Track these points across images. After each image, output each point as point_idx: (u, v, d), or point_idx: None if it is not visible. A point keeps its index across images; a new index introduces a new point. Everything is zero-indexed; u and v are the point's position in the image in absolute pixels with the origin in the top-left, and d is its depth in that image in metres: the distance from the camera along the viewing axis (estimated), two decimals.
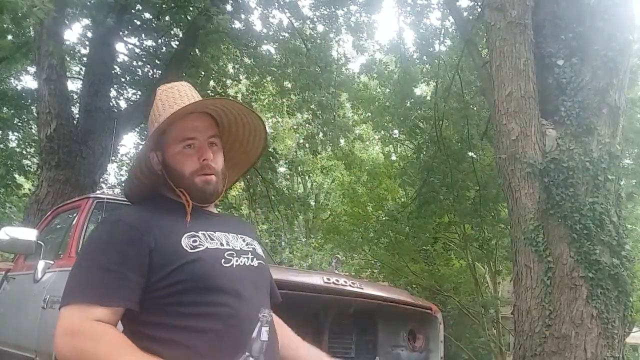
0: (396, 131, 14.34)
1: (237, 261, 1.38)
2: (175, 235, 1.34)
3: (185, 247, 1.32)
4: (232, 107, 1.51)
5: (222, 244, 1.39)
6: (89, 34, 10.00)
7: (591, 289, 4.83)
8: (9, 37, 11.38)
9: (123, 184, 1.68)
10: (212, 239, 1.38)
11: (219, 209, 1.69)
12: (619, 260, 4.92)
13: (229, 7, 10.07)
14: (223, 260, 1.35)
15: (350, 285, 3.04)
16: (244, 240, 1.47)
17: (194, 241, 1.35)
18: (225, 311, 1.29)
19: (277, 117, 16.06)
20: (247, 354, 1.15)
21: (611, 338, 4.82)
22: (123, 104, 11.22)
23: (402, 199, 14.58)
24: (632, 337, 7.84)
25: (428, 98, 12.30)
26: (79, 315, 1.20)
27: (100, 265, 1.27)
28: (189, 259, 1.31)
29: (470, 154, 11.02)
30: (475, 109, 10.96)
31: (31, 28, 9.60)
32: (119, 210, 1.50)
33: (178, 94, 1.48)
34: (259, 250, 1.51)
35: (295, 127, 16.12)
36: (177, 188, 1.43)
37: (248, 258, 1.42)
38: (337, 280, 3.01)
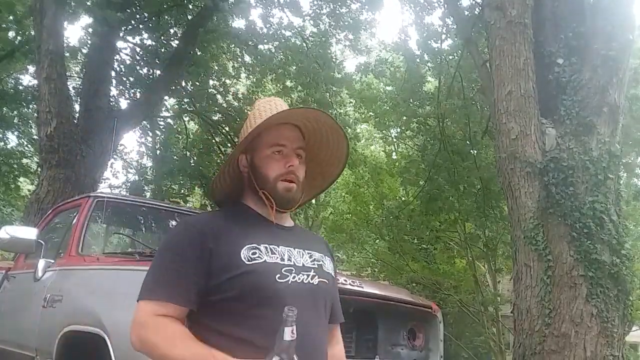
0: (398, 129, 14.34)
1: (294, 278, 1.40)
2: (238, 244, 1.39)
3: (243, 258, 1.37)
4: (322, 121, 1.55)
5: (282, 259, 1.41)
6: (90, 34, 10.00)
7: (591, 287, 4.84)
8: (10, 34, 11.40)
9: (210, 183, 1.68)
10: (274, 253, 1.41)
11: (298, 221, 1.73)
12: (619, 259, 4.93)
13: (227, 6, 10.06)
14: (278, 275, 1.37)
15: (350, 284, 3.05)
16: (310, 257, 1.48)
17: (253, 253, 1.39)
18: (267, 325, 1.30)
19: None
20: (275, 356, 1.18)
21: (611, 337, 4.83)
22: (123, 103, 11.23)
23: (403, 198, 14.59)
24: (632, 336, 7.85)
25: (432, 93, 12.29)
26: (146, 309, 1.35)
27: (167, 266, 1.39)
28: (244, 270, 1.36)
29: (472, 151, 11.03)
30: (478, 106, 10.96)
31: (31, 27, 9.62)
32: (197, 215, 1.61)
33: (274, 105, 1.56)
34: (327, 267, 1.52)
35: None
36: (260, 190, 1.49)
37: (308, 275, 1.43)
38: (337, 279, 3.01)
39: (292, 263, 1.42)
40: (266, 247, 1.41)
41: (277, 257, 1.41)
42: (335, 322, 1.60)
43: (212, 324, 1.36)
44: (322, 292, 1.46)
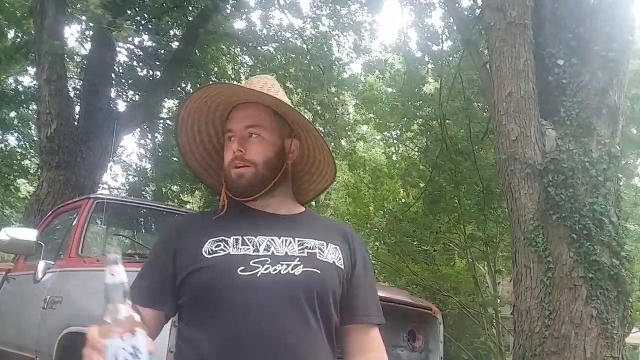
0: (398, 131, 14.34)
1: (266, 269, 1.23)
2: (202, 239, 1.28)
3: (204, 252, 1.26)
4: (281, 108, 1.36)
5: (257, 250, 1.26)
6: (89, 37, 10.02)
7: (591, 289, 4.84)
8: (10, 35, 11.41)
9: None
10: (245, 244, 1.27)
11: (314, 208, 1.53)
12: (619, 261, 4.93)
13: (228, 7, 10.08)
14: (242, 268, 1.22)
15: None
16: (301, 244, 1.30)
17: (217, 246, 1.27)
18: (224, 326, 1.21)
19: None
20: (105, 305, 0.98)
21: (611, 338, 4.82)
22: (122, 105, 11.24)
23: (403, 200, 14.59)
24: (632, 337, 7.85)
25: (432, 94, 12.30)
26: None
27: (142, 270, 1.35)
28: (202, 264, 1.25)
29: (474, 152, 11.03)
30: (478, 106, 10.97)
31: (32, 29, 9.63)
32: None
33: (249, 84, 1.39)
34: (325, 256, 1.30)
35: None
36: (224, 182, 1.37)
37: (289, 265, 1.24)
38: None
39: (268, 253, 1.26)
40: (237, 239, 1.27)
41: (249, 248, 1.26)
42: (355, 321, 1.34)
43: (181, 324, 1.30)
44: (307, 284, 1.24)
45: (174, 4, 10.38)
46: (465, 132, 11.14)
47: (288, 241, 1.29)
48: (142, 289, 1.28)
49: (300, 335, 1.22)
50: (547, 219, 5.09)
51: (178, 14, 10.78)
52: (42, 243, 3.69)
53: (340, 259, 1.32)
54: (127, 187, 12.58)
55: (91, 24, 8.92)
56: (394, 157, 15.55)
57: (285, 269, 1.24)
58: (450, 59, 11.18)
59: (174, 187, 13.04)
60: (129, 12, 10.05)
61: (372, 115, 13.94)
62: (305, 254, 1.28)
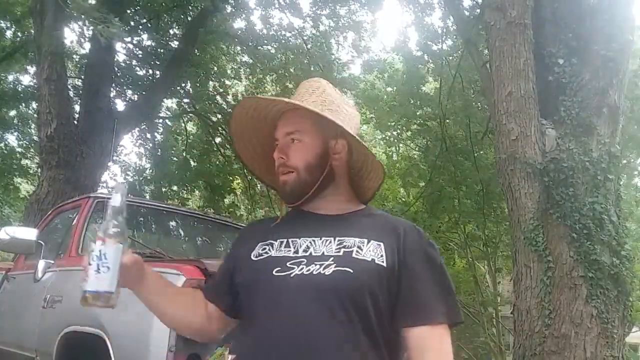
0: (398, 130, 14.34)
1: (301, 270, 1.23)
2: (256, 243, 1.34)
3: (252, 256, 1.32)
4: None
5: (296, 251, 1.27)
6: (87, 37, 10.01)
7: (591, 288, 4.84)
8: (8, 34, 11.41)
9: None
10: (288, 247, 1.29)
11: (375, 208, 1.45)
12: (619, 260, 4.93)
13: (228, 7, 10.08)
14: (278, 269, 1.24)
15: None
16: (340, 244, 1.27)
17: (263, 249, 1.31)
18: (257, 326, 1.25)
19: None
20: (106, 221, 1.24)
21: (611, 338, 4.82)
22: (122, 104, 11.23)
23: (403, 199, 14.59)
24: (632, 337, 7.85)
25: (432, 94, 12.29)
26: None
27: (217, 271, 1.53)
28: (248, 267, 1.31)
29: (474, 152, 11.03)
30: (478, 106, 10.97)
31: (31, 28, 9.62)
32: None
33: (298, 91, 1.44)
34: (362, 254, 1.25)
35: None
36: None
37: (322, 265, 1.22)
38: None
39: (307, 254, 1.26)
40: (282, 242, 1.31)
41: (290, 250, 1.28)
42: (408, 324, 1.25)
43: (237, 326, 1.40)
44: (336, 283, 1.21)
45: (174, 4, 10.37)
46: (465, 132, 11.15)
47: (328, 241, 1.28)
48: (209, 286, 1.51)
49: (324, 335, 1.19)
50: (547, 219, 5.09)
51: (177, 13, 10.78)
52: (42, 242, 3.68)
53: (382, 256, 1.25)
54: (129, 187, 12.54)
55: (89, 22, 8.92)
56: (394, 157, 15.55)
57: (318, 269, 1.22)
58: (450, 58, 11.18)
59: (174, 187, 13.03)
60: (128, 11, 10.05)
61: (372, 116, 13.94)
62: (341, 253, 1.25)
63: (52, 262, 3.55)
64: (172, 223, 4.75)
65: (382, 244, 1.27)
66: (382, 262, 1.24)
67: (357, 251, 1.25)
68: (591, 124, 5.20)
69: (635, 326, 7.84)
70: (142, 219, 4.53)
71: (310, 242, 1.28)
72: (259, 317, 1.25)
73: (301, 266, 1.24)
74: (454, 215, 12.39)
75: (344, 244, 1.27)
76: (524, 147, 5.21)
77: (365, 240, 1.27)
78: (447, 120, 11.31)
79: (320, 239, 1.28)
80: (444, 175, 11.53)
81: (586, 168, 5.06)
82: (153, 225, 4.65)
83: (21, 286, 3.96)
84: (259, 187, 13.55)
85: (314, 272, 1.22)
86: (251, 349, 1.22)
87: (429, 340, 1.23)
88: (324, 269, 1.22)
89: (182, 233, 4.82)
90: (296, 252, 1.27)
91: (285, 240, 1.31)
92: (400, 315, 1.25)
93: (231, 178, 13.12)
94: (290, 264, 1.25)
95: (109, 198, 1.23)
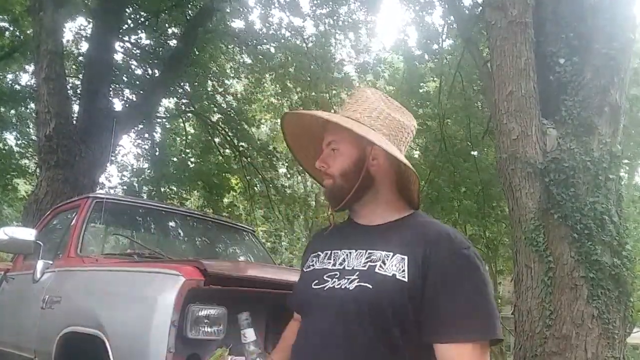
0: None
1: (333, 283, 1.29)
2: (310, 254, 1.46)
3: (304, 267, 1.44)
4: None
5: (334, 264, 1.34)
6: (86, 37, 9.99)
7: (592, 289, 4.82)
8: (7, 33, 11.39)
9: None
10: (330, 259, 1.36)
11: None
12: (620, 260, 4.91)
13: (228, 7, 10.06)
14: (316, 282, 1.32)
15: None
16: (368, 257, 1.29)
17: (312, 261, 1.41)
18: (298, 336, 1.36)
19: (277, 117, 16.04)
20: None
21: (612, 338, 4.81)
22: (120, 104, 11.20)
23: None
24: (633, 337, 7.84)
25: (432, 93, 12.27)
26: None
27: None
28: (301, 278, 1.45)
29: (474, 153, 11.01)
30: (479, 106, 10.95)
31: (30, 27, 9.60)
32: None
33: (347, 102, 1.49)
34: (385, 269, 1.25)
35: None
36: None
37: (349, 280, 1.27)
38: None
39: (342, 267, 1.31)
40: (327, 253, 1.38)
41: (330, 262, 1.35)
42: (431, 340, 1.22)
43: None
44: (357, 299, 1.23)
45: (173, 3, 10.35)
46: (464, 132, 11.13)
47: (360, 254, 1.31)
48: (290, 298, 1.50)
49: (341, 350, 1.22)
50: (548, 219, 5.07)
51: (177, 12, 10.76)
52: (40, 242, 3.66)
53: (403, 271, 1.23)
54: (126, 187, 12.53)
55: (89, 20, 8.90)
56: None
57: (345, 283, 1.27)
58: (449, 57, 11.16)
59: (173, 187, 13.01)
60: (127, 10, 10.04)
61: None
62: (366, 268, 1.27)
63: (51, 262, 3.53)
64: (172, 223, 4.74)
65: (406, 257, 1.25)
66: (404, 277, 1.23)
67: (380, 265, 1.26)
68: (592, 124, 5.18)
69: (636, 327, 7.83)
70: (141, 219, 4.51)
71: (346, 255, 1.33)
72: (301, 327, 1.38)
73: (334, 279, 1.29)
74: (453, 216, 12.37)
75: (372, 257, 1.29)
76: (524, 146, 5.19)
77: (391, 254, 1.27)
78: (447, 120, 11.29)
79: (355, 252, 1.32)
80: (443, 176, 11.51)
81: (587, 168, 5.05)
82: (152, 226, 4.63)
83: (20, 287, 3.95)
84: (258, 187, 13.55)
85: (342, 287, 1.26)
86: (292, 356, 1.36)
87: (455, 358, 1.19)
88: (350, 283, 1.26)
89: (182, 233, 4.81)
90: (334, 264, 1.34)
91: (330, 251, 1.38)
92: (425, 331, 1.22)
93: (230, 177, 13.10)
94: (326, 277, 1.32)
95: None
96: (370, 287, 1.22)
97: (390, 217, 1.39)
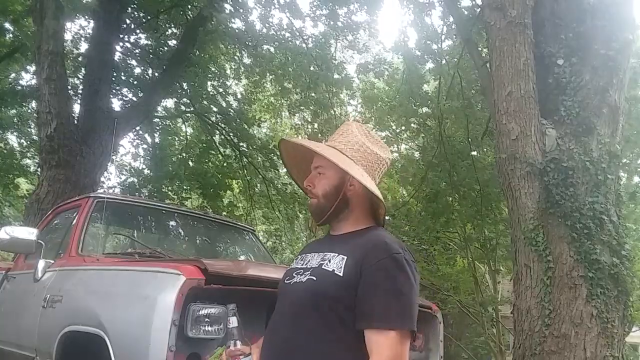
0: (398, 130, 14.32)
1: (297, 278, 1.57)
2: (295, 257, 1.74)
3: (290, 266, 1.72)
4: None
5: (303, 264, 1.62)
6: (87, 37, 9.99)
7: (591, 288, 4.84)
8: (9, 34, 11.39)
9: None
10: (302, 260, 1.64)
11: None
12: (619, 260, 4.93)
13: (228, 7, 10.06)
14: (287, 278, 1.62)
15: None
16: (322, 257, 1.57)
17: (294, 262, 1.70)
18: (269, 326, 1.61)
19: (277, 117, 16.05)
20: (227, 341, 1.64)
21: (611, 337, 4.82)
22: (119, 104, 11.19)
23: (403, 199, 14.58)
24: (632, 337, 7.85)
25: (431, 94, 12.27)
26: None
27: None
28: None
29: (472, 153, 11.01)
30: (478, 107, 10.95)
31: (31, 27, 9.61)
32: None
33: (336, 133, 1.76)
34: (330, 265, 1.52)
35: (295, 126, 16.12)
36: None
37: (304, 275, 1.55)
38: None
39: (304, 266, 1.60)
40: (301, 256, 1.67)
41: (300, 263, 1.63)
42: (360, 327, 1.46)
43: None
44: (306, 289, 1.52)
45: (172, 3, 10.36)
46: (463, 133, 11.13)
47: (319, 255, 1.59)
48: None
49: (290, 328, 1.51)
50: (547, 218, 5.09)
51: (176, 13, 10.76)
52: (42, 242, 3.67)
53: (340, 268, 1.50)
54: (127, 187, 12.54)
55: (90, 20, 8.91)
56: (394, 155, 15.55)
57: (302, 278, 1.55)
58: (447, 57, 11.16)
59: (172, 187, 13.01)
60: (127, 10, 10.04)
61: (372, 116, 13.92)
62: (317, 265, 1.56)
63: (52, 261, 3.55)
64: (172, 223, 4.75)
65: (346, 257, 1.52)
66: (340, 272, 1.49)
67: (326, 263, 1.54)
68: (591, 124, 5.20)
69: (635, 326, 7.84)
70: (142, 218, 4.52)
71: (311, 257, 1.61)
72: (272, 316, 1.62)
73: (298, 276, 1.57)
74: (450, 215, 12.37)
75: (324, 257, 1.56)
76: (524, 146, 5.21)
77: (336, 254, 1.54)
78: (446, 120, 11.29)
79: (317, 254, 1.60)
80: (442, 176, 11.50)
81: (586, 168, 5.06)
82: (153, 225, 4.64)
83: (21, 286, 3.96)
84: (258, 187, 13.55)
85: (299, 280, 1.55)
86: (263, 347, 1.59)
87: (374, 344, 1.43)
88: (304, 277, 1.54)
89: (182, 233, 4.82)
90: (303, 264, 1.61)
91: (304, 254, 1.67)
92: (357, 320, 1.46)
93: (229, 177, 13.09)
94: (295, 274, 1.59)
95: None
96: (315, 279, 1.51)
97: (352, 229, 1.65)
